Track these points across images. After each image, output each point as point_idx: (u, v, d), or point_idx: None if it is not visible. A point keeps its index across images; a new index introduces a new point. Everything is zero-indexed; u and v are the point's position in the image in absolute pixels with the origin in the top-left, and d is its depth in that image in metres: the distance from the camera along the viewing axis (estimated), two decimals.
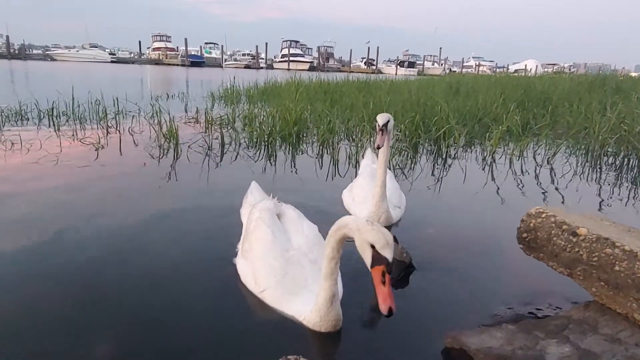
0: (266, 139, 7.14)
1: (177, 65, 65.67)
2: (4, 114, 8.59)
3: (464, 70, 66.37)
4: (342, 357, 2.22)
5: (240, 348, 2.16)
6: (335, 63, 78.28)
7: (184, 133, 7.47)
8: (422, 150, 7.17)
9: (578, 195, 4.89)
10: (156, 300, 2.55)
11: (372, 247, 1.92)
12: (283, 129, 7.52)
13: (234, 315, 2.44)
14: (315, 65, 69.89)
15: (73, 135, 7.40)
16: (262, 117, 8.54)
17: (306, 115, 8.80)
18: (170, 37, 77.45)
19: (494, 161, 6.46)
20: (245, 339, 2.23)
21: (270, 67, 72.06)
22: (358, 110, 9.17)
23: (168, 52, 73.89)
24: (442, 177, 5.62)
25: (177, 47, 75.74)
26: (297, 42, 77.12)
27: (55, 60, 65.44)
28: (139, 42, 78.18)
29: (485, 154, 6.88)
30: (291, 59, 69.39)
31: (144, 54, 78.11)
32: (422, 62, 76.96)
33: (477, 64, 77.46)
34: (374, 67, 71.86)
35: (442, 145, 7.31)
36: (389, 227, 3.60)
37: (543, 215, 2.35)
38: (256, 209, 2.91)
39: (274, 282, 2.48)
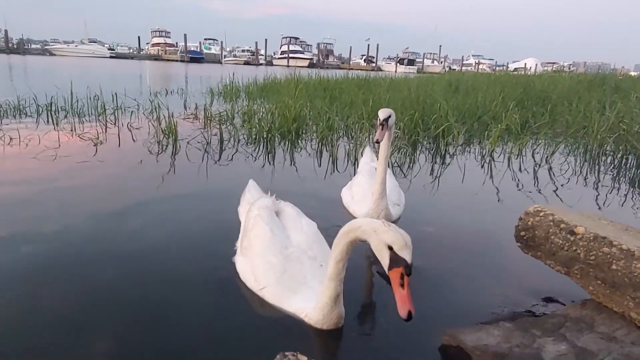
0: (265, 136, 7.14)
1: (176, 61, 65.50)
2: (2, 108, 8.56)
3: (463, 68, 66.41)
4: (342, 353, 2.23)
5: (240, 345, 2.16)
6: (335, 60, 78.08)
7: (183, 129, 7.46)
8: (421, 148, 7.17)
9: (576, 194, 4.90)
10: (155, 297, 2.55)
11: (390, 248, 1.88)
12: (282, 125, 7.51)
13: (233, 312, 2.44)
14: (314, 62, 69.72)
15: (72, 130, 7.39)
16: (261, 113, 8.54)
17: (305, 112, 8.80)
18: (169, 32, 77.18)
19: (493, 160, 6.46)
20: (245, 336, 2.23)
21: (269, 63, 71.90)
22: (357, 107, 9.17)
23: (167, 48, 73.62)
24: (440, 175, 5.63)
25: (177, 43, 75.52)
26: (296, 38, 76.96)
27: (54, 55, 65.18)
28: (138, 37, 77.96)
29: (484, 153, 6.89)
30: (291, 55, 69.28)
31: (143, 49, 77.80)
32: (421, 60, 76.88)
33: (477, 62, 77.48)
34: (374, 65, 71.72)
35: (441, 144, 7.31)
36: None
37: (541, 214, 2.36)
38: (255, 207, 2.90)
39: (274, 279, 2.47)
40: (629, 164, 6.38)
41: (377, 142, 3.53)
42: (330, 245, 2.73)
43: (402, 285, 1.85)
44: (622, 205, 4.57)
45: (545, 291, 2.68)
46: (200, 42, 78.38)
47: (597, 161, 6.45)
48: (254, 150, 6.53)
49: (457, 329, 2.16)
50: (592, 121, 7.58)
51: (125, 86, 11.68)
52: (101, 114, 8.66)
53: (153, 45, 76.29)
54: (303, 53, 73.06)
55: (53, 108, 8.77)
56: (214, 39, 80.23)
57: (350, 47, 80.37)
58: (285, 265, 2.50)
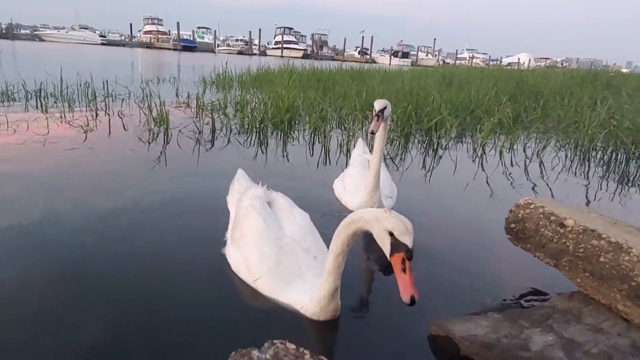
0: (258, 126, 7.09)
1: (169, 49, 64.68)
2: None
3: (457, 62, 66.34)
4: (335, 343, 2.24)
5: (233, 336, 2.14)
6: (329, 51, 77.66)
7: (175, 117, 7.39)
8: (414, 140, 7.18)
9: (566, 188, 4.94)
10: (144, 286, 2.52)
11: (391, 234, 1.89)
12: (275, 115, 7.47)
13: (225, 303, 2.41)
14: (308, 53, 69.32)
15: (61, 117, 7.28)
16: (254, 103, 8.48)
17: (298, 103, 8.76)
18: (162, 20, 76.10)
19: (485, 153, 6.49)
20: (238, 327, 2.22)
21: (263, 53, 71.36)
22: (351, 99, 9.14)
23: (160, 36, 72.67)
24: (433, 168, 5.64)
25: (169, 31, 74.52)
26: (290, 29, 76.37)
27: (44, 40, 64.11)
28: (130, 24, 76.91)
29: (476, 146, 6.91)
30: (285, 46, 68.76)
31: (135, 36, 76.83)
32: (416, 53, 76.72)
33: (471, 56, 77.48)
34: (368, 57, 71.44)
35: (434, 136, 7.32)
36: None
37: (532, 206, 2.37)
38: (246, 197, 2.86)
39: (268, 270, 2.45)
40: (618, 160, 6.44)
41: (373, 133, 3.51)
42: (323, 237, 2.74)
43: (404, 270, 1.85)
44: (612, 200, 4.62)
45: (534, 283, 2.71)
46: (193, 31, 77.42)
47: (587, 156, 6.50)
48: (246, 140, 6.49)
49: (446, 320, 2.18)
50: (584, 116, 7.64)
51: (116, 73, 11.51)
52: (91, 101, 8.54)
53: (145, 32, 75.26)
54: (297, 44, 72.57)
55: (42, 94, 8.64)
56: (207, 28, 79.39)
57: (345, 39, 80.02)
58: (279, 256, 2.48)
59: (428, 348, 2.13)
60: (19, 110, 7.64)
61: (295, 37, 75.63)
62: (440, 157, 6.23)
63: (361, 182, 3.77)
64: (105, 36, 77.29)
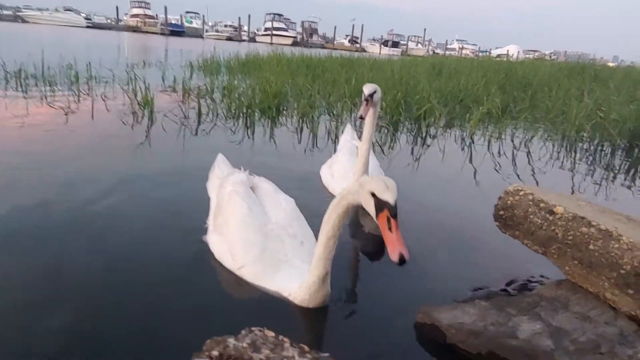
0: (245, 111, 6.97)
1: (156, 33, 63.42)
2: None
3: (447, 52, 66.34)
4: (322, 331, 2.19)
5: (217, 326, 2.01)
6: (319, 39, 76.96)
7: (160, 102, 7.22)
8: (403, 128, 7.13)
9: (553, 178, 4.94)
10: (123, 275, 2.41)
11: (374, 195, 1.86)
12: (263, 101, 7.35)
13: (208, 292, 2.33)
14: (298, 40, 68.55)
15: (42, 98, 7.07)
16: (241, 88, 8.33)
17: (287, 89, 8.63)
18: (149, 3, 74.37)
19: (473, 142, 6.47)
20: (222, 316, 2.14)
21: (252, 40, 70.43)
22: (340, 86, 9.04)
23: (147, 20, 71.06)
24: (421, 156, 5.60)
25: (157, 15, 73.02)
26: (280, 15, 75.40)
27: (27, 22, 62.41)
28: (117, 7, 75.01)
29: (464, 135, 6.89)
30: (274, 32, 67.86)
31: (121, 20, 75.12)
32: (406, 43, 76.46)
33: (461, 47, 77.43)
34: (358, 45, 70.95)
35: (423, 125, 7.28)
36: None
37: (521, 193, 2.33)
38: (228, 182, 2.77)
39: (253, 257, 2.39)
40: (604, 151, 6.47)
41: (362, 118, 3.44)
42: (309, 223, 2.67)
43: (390, 230, 1.81)
44: (597, 191, 4.63)
45: (521, 271, 2.68)
46: (181, 15, 75.95)
47: (574, 147, 6.52)
48: (233, 125, 6.37)
49: (432, 307, 2.14)
50: (571, 107, 7.66)
51: (101, 57, 11.28)
52: (74, 83, 8.32)
53: (132, 16, 73.51)
54: (287, 31, 71.64)
55: (22, 75, 8.37)
56: (195, 13, 77.88)
57: (335, 27, 79.32)
58: (265, 243, 2.41)
59: (415, 336, 2.10)
60: None
61: (285, 24, 74.65)
62: (429, 145, 6.19)
63: (349, 169, 3.71)
64: (90, 19, 75.38)
